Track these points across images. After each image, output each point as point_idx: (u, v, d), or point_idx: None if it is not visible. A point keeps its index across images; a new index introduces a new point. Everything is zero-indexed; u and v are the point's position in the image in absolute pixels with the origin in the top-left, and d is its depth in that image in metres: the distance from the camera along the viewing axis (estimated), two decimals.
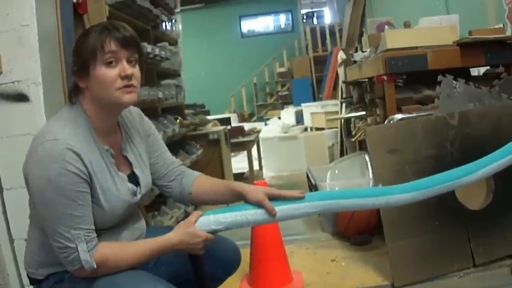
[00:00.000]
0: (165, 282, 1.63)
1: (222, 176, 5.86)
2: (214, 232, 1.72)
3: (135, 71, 1.65)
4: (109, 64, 1.60)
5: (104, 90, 1.60)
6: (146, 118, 1.95)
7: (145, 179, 1.82)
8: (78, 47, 1.62)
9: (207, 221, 1.71)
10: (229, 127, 7.01)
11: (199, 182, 1.95)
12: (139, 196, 1.78)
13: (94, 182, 1.58)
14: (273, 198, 1.75)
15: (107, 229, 1.67)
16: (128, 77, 1.62)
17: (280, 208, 1.72)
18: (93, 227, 1.57)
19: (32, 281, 1.72)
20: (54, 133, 1.53)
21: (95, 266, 1.53)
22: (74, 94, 1.68)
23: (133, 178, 1.78)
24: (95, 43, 1.58)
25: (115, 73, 1.60)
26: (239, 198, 1.83)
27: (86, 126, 1.62)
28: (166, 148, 2.00)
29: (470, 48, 3.34)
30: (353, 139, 4.80)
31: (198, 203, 2.03)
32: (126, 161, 1.78)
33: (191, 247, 1.69)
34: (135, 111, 1.90)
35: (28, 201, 1.63)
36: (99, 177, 1.60)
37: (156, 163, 1.93)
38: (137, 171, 1.79)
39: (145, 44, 3.78)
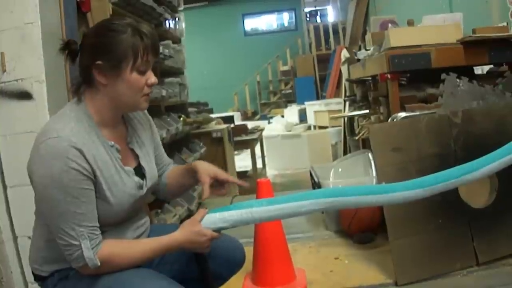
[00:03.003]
0: (170, 280, 1.64)
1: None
2: (219, 230, 1.72)
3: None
4: (142, 72, 1.63)
5: (131, 94, 1.64)
6: (150, 118, 1.96)
7: (151, 171, 1.83)
8: (110, 44, 1.58)
9: (213, 219, 1.71)
10: (232, 125, 7.02)
11: (171, 171, 2.01)
12: (145, 189, 1.78)
13: (99, 178, 1.58)
14: (220, 181, 1.86)
15: (112, 226, 1.67)
16: (152, 85, 1.68)
17: (285, 206, 1.72)
18: (97, 225, 1.57)
19: (36, 277, 1.73)
20: (57, 131, 1.53)
21: (99, 264, 1.53)
22: (81, 89, 1.67)
23: (139, 171, 1.78)
24: (136, 49, 1.59)
25: (144, 81, 1.64)
26: (194, 176, 1.88)
27: (89, 122, 1.62)
28: (163, 150, 2.04)
29: (474, 46, 3.33)
30: (356, 138, 4.80)
31: (174, 192, 2.06)
32: (133, 153, 1.79)
33: (197, 245, 1.69)
34: None
35: (34, 198, 1.63)
36: (104, 172, 1.59)
37: (157, 163, 1.95)
38: (143, 163, 1.80)
39: None
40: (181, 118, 4.75)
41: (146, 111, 1.94)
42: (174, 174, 2.00)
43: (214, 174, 1.84)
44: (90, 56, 1.60)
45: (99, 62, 1.57)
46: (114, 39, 1.58)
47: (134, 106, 1.70)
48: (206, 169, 1.84)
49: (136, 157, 1.79)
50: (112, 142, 1.67)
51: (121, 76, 1.60)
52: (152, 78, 1.66)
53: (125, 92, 1.62)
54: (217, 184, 1.86)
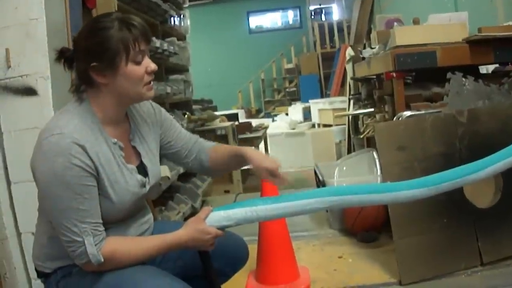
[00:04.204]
0: (173, 277, 1.64)
1: (229, 172, 5.86)
2: (223, 228, 1.71)
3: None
4: (138, 62, 1.62)
5: (133, 86, 1.63)
6: (155, 105, 1.93)
7: (154, 169, 1.82)
8: (100, 43, 1.57)
9: (217, 217, 1.70)
10: (236, 123, 7.01)
11: (213, 154, 2.00)
12: (148, 187, 1.77)
13: (102, 175, 1.57)
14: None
15: (115, 223, 1.67)
16: (153, 72, 1.67)
17: (289, 204, 1.72)
18: (101, 221, 1.57)
19: (39, 274, 1.73)
20: (60, 127, 1.53)
21: (102, 260, 1.53)
22: (81, 90, 1.67)
23: (142, 169, 1.77)
24: (126, 41, 1.58)
25: (143, 69, 1.63)
26: (244, 162, 1.91)
27: (93, 119, 1.62)
28: (181, 127, 2.02)
29: (480, 45, 3.32)
30: (361, 136, 4.79)
31: (218, 173, 2.12)
32: (135, 151, 1.78)
33: (201, 243, 1.69)
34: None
35: (37, 194, 1.63)
36: (106, 169, 1.59)
37: (176, 145, 1.96)
38: (145, 161, 1.79)
39: (154, 39, 3.77)
40: (186, 115, 4.76)
41: (156, 105, 1.93)
42: (219, 156, 1.99)
43: (269, 170, 1.82)
44: (84, 60, 1.59)
45: (94, 63, 1.57)
46: (103, 38, 1.57)
47: (139, 97, 1.69)
48: (260, 162, 1.85)
49: (139, 155, 1.79)
50: (115, 140, 1.67)
51: (119, 71, 1.59)
52: (151, 65, 1.65)
53: (126, 85, 1.62)
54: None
